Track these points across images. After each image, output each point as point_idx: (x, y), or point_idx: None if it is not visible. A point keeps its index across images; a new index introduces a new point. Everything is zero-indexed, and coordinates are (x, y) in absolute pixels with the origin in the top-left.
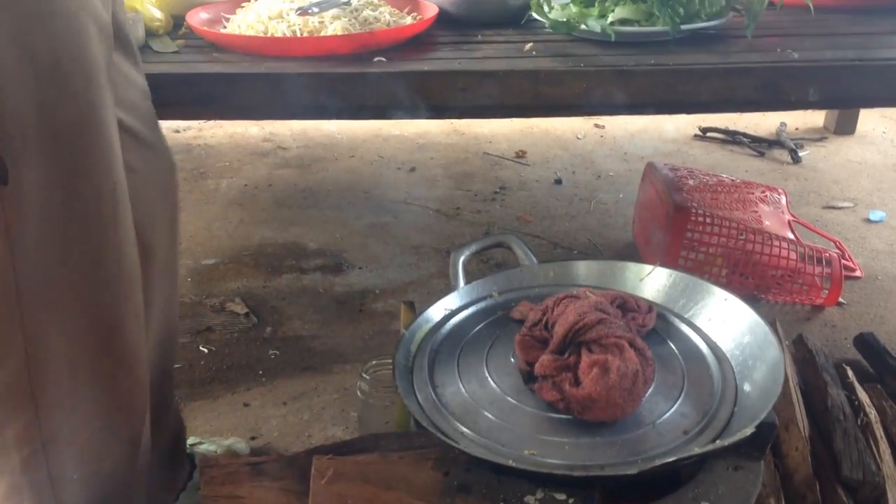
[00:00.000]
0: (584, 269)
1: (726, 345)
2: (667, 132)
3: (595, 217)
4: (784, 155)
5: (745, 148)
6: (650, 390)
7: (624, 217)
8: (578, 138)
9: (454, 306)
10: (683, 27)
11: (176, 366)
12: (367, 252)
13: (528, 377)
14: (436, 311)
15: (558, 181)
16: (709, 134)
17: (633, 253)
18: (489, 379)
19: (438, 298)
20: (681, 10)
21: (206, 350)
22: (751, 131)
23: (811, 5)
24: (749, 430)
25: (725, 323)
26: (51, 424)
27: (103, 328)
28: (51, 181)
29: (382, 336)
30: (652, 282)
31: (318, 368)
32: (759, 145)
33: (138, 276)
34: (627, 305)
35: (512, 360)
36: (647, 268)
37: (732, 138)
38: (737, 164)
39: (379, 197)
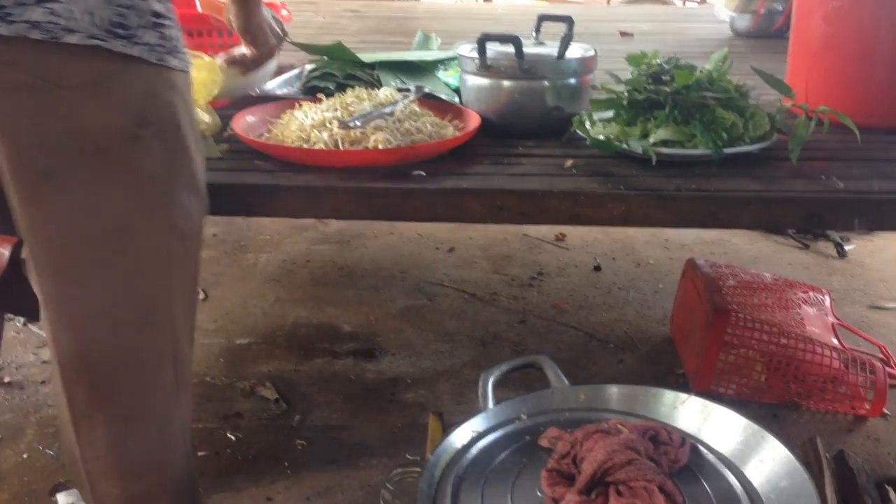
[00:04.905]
0: (616, 394)
1: (762, 486)
2: None
3: (633, 308)
4: (829, 248)
5: (790, 239)
6: None
7: (662, 310)
8: None
9: (481, 428)
10: (726, 151)
11: (201, 453)
12: (400, 337)
13: None
14: (462, 434)
15: (597, 268)
16: None
17: (670, 349)
18: None
19: (468, 404)
20: (724, 135)
21: (233, 437)
22: None
23: (857, 131)
24: None
25: (762, 462)
26: None
27: None
28: None
29: (411, 429)
30: (687, 411)
31: (344, 462)
32: (804, 237)
33: None
34: (660, 438)
35: (538, 493)
36: (683, 396)
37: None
38: (780, 257)
39: (416, 278)
